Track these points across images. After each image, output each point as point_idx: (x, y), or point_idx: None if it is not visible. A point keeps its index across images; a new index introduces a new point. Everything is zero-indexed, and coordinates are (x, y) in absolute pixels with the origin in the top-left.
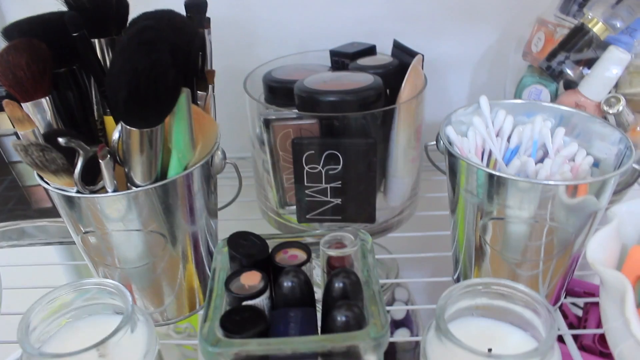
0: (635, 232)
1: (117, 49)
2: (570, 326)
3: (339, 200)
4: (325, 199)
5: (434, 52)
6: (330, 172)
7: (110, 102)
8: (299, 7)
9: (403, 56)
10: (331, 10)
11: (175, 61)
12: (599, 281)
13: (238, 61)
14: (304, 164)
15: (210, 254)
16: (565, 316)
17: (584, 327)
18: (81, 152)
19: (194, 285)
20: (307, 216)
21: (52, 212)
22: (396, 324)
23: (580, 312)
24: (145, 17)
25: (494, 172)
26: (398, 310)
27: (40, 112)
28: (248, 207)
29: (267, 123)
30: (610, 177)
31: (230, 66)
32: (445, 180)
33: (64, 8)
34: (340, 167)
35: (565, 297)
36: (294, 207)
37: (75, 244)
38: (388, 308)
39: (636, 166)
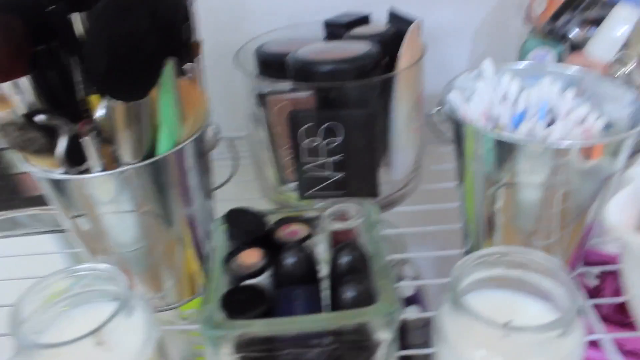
0: None
1: (93, 15)
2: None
3: (339, 175)
4: (326, 173)
5: (431, 21)
6: (330, 146)
7: (90, 73)
8: None
9: (399, 24)
10: None
11: (157, 27)
12: (618, 248)
13: (228, 36)
14: (302, 138)
15: (208, 235)
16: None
17: (601, 297)
18: (63, 129)
19: (193, 268)
20: (308, 192)
21: (43, 200)
22: (406, 302)
23: (594, 282)
24: None
25: (503, 138)
26: (407, 288)
27: (19, 93)
28: (246, 187)
29: (261, 98)
30: (627, 137)
31: (221, 42)
32: (450, 151)
33: None
34: (339, 139)
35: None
36: (294, 184)
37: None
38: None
39: None
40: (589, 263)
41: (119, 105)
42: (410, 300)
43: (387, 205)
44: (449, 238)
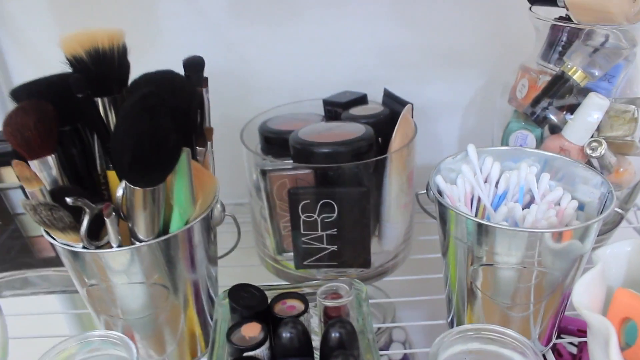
0: (620, 273)
1: (120, 114)
2: None
3: (334, 247)
4: (322, 245)
5: (424, 98)
6: (326, 220)
7: (115, 163)
8: (293, 58)
9: (393, 104)
10: (324, 61)
11: (176, 125)
12: None
13: (235, 110)
14: (300, 213)
15: (211, 299)
16: (560, 354)
17: None
18: (87, 210)
19: (195, 332)
20: (305, 262)
21: (55, 262)
22: None
23: (575, 350)
24: (146, 78)
25: (481, 221)
26: (396, 354)
27: (46, 169)
28: (247, 253)
29: (263, 173)
30: (593, 223)
31: (228, 115)
32: (437, 223)
33: (69, 68)
34: (335, 215)
35: (560, 336)
36: (291, 253)
37: (77, 292)
38: (385, 353)
39: (618, 210)
40: (569, 332)
41: (138, 190)
42: None
43: (379, 275)
44: (437, 306)
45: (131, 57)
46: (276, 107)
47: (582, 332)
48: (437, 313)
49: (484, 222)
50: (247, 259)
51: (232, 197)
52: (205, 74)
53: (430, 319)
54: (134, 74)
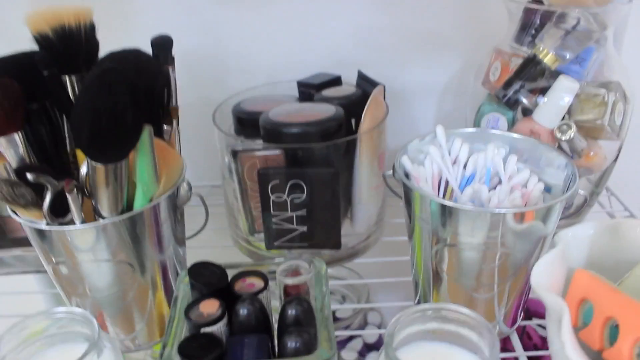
0: (581, 255)
1: (80, 90)
2: (535, 347)
3: (304, 228)
4: (292, 226)
5: (400, 81)
6: (295, 201)
7: (75, 139)
8: (268, 39)
9: (367, 86)
10: (299, 42)
11: (136, 101)
12: None
13: (210, 92)
14: (270, 193)
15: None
16: (529, 337)
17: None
18: (49, 186)
19: (163, 311)
20: (275, 243)
21: (28, 242)
22: (369, 347)
23: (545, 333)
24: (111, 57)
25: (443, 202)
26: (370, 334)
27: (12, 146)
28: (220, 234)
29: (234, 154)
30: (555, 204)
31: (203, 96)
32: None
33: (36, 46)
34: (304, 195)
35: (530, 319)
36: (263, 234)
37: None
38: (360, 333)
39: (581, 191)
40: (539, 315)
41: (99, 166)
42: (374, 347)
43: (350, 256)
44: (410, 288)
45: (103, 36)
46: (251, 88)
47: None
48: (411, 295)
49: (447, 203)
50: (220, 239)
51: (208, 179)
52: (180, 54)
53: (405, 300)
54: (104, 50)
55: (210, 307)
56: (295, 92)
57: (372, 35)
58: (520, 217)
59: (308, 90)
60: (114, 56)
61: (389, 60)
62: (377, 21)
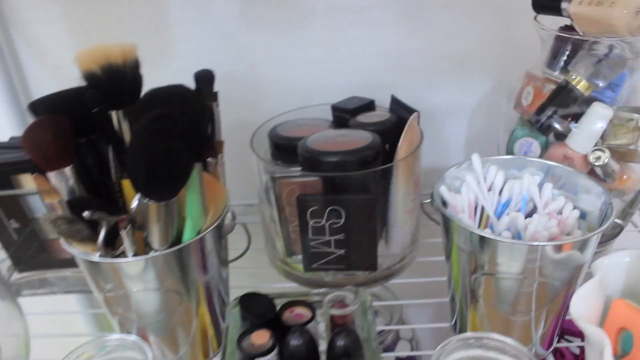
0: (618, 283)
1: (135, 134)
2: None
3: (342, 251)
4: (329, 249)
5: (431, 102)
6: (333, 226)
7: (131, 179)
8: (302, 63)
9: (400, 111)
10: (331, 66)
11: (188, 144)
12: None
13: (245, 115)
14: (309, 219)
15: (222, 300)
16: (562, 355)
17: None
18: (104, 222)
19: (207, 333)
20: (313, 266)
21: (73, 263)
22: None
23: (577, 351)
24: (156, 94)
25: (481, 234)
26: (403, 350)
27: (63, 180)
28: (257, 255)
29: (273, 180)
30: (592, 236)
31: (238, 120)
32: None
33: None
34: (342, 220)
35: (563, 337)
36: (300, 256)
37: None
38: (392, 354)
39: (618, 221)
40: (571, 333)
41: (152, 204)
42: None
43: (386, 277)
44: (443, 305)
45: (142, 64)
46: (285, 112)
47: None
48: (442, 313)
49: (486, 235)
50: (257, 260)
51: (243, 198)
52: (216, 79)
53: (436, 318)
54: (146, 80)
55: (261, 337)
56: (328, 115)
57: (404, 58)
58: (558, 247)
59: (342, 115)
60: (160, 94)
61: (420, 82)
62: (409, 44)
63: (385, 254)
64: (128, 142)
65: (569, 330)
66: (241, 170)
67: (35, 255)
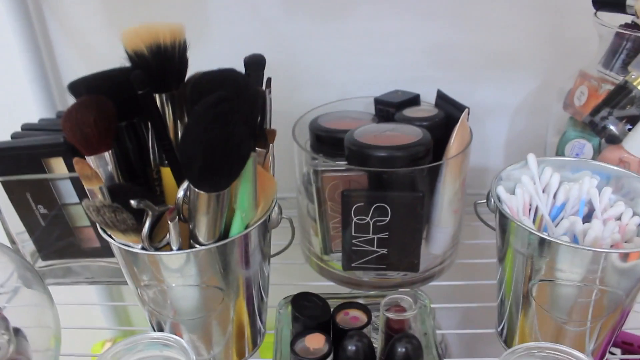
0: None
1: (192, 119)
2: None
3: (384, 250)
4: (372, 248)
5: (473, 98)
6: (378, 224)
7: (184, 168)
8: (343, 54)
9: (447, 107)
10: (373, 58)
11: (249, 131)
12: None
13: (283, 105)
14: (353, 215)
15: (261, 298)
16: None
17: None
18: (150, 212)
19: (244, 332)
20: (353, 264)
21: (100, 252)
22: None
23: None
24: (208, 78)
25: (545, 237)
26: None
27: (102, 165)
28: (292, 249)
29: (316, 173)
30: None
31: (275, 110)
32: (484, 227)
33: (127, 62)
34: (388, 218)
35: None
36: (338, 254)
37: (117, 284)
38: None
39: None
40: (617, 343)
41: (203, 194)
42: None
43: (425, 279)
44: (470, 311)
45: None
46: (326, 104)
47: (626, 344)
48: (471, 317)
49: (548, 238)
50: (291, 255)
51: (280, 190)
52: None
53: (464, 322)
54: (200, 72)
55: (316, 341)
56: (370, 109)
57: (448, 52)
58: (625, 255)
59: (387, 109)
60: (211, 77)
61: (463, 78)
62: (453, 37)
63: (425, 254)
64: (171, 127)
65: (617, 342)
66: (279, 161)
67: (60, 242)
